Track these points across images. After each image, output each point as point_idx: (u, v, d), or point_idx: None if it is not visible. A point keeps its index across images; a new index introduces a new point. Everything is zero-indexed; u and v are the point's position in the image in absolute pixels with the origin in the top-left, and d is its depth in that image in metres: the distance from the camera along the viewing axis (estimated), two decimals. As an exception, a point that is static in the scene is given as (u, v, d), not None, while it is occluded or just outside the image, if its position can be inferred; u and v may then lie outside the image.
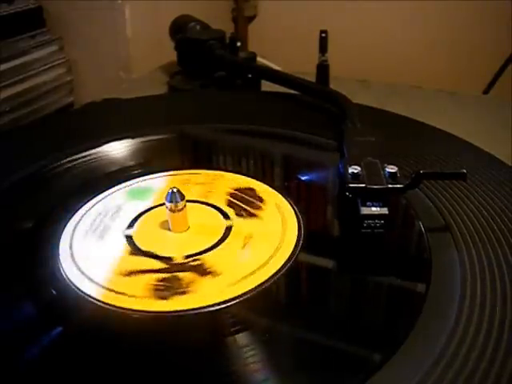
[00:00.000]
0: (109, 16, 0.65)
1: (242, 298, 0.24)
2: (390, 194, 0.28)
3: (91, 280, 0.26)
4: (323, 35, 0.52)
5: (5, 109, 0.56)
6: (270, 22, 0.88)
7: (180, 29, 0.60)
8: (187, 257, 0.27)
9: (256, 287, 0.25)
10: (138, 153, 0.38)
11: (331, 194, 0.34)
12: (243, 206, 0.31)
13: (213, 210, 0.31)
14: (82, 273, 0.27)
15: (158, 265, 0.27)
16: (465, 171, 0.28)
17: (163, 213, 0.29)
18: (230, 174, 0.35)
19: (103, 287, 0.25)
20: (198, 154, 0.41)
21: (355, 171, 0.29)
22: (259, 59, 0.60)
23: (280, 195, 0.32)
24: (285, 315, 0.24)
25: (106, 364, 0.22)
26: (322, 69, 0.52)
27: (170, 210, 0.28)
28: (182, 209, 0.29)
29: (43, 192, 0.34)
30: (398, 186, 0.28)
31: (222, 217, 0.30)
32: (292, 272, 0.26)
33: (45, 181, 0.35)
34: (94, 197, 0.33)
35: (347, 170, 0.29)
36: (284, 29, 0.86)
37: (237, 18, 0.87)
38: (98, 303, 0.24)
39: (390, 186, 0.28)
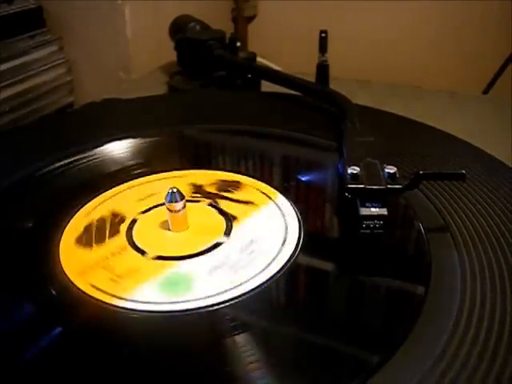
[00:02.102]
0: (109, 16, 0.65)
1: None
2: (389, 194, 0.28)
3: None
4: (323, 35, 0.52)
5: (5, 109, 0.56)
6: (270, 21, 0.88)
7: (180, 29, 0.60)
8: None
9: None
10: (138, 153, 0.38)
11: (331, 194, 0.34)
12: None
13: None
14: (82, 273, 0.27)
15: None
16: (464, 172, 0.28)
17: (163, 213, 0.29)
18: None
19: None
20: (197, 154, 0.41)
21: (354, 172, 0.29)
22: (259, 59, 0.60)
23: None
24: (284, 316, 0.25)
25: (106, 364, 0.22)
26: (322, 69, 0.52)
27: (170, 210, 0.29)
28: (182, 209, 0.29)
29: (43, 192, 0.34)
30: (397, 186, 0.28)
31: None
32: (291, 273, 0.26)
33: (45, 181, 0.35)
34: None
35: (346, 171, 0.29)
36: (284, 29, 0.86)
37: (237, 18, 0.87)
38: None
39: (389, 186, 0.28)
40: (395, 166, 0.29)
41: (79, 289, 0.25)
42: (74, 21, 0.66)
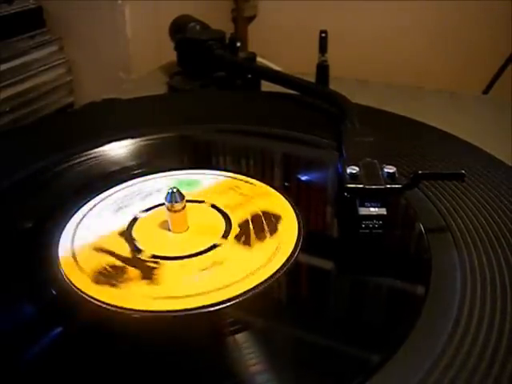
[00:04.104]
0: (109, 16, 0.65)
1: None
2: (388, 194, 0.28)
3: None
4: (323, 35, 0.52)
5: (5, 109, 0.56)
6: (270, 22, 0.88)
7: (180, 29, 0.60)
8: (153, 256, 0.27)
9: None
10: (137, 153, 0.38)
11: (331, 194, 0.34)
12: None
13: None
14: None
15: (126, 253, 0.28)
16: (463, 172, 0.28)
17: (163, 213, 0.29)
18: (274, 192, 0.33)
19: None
20: (197, 155, 0.41)
21: (353, 171, 0.29)
22: (259, 59, 0.60)
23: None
24: (284, 315, 0.25)
25: (106, 364, 0.22)
26: (322, 69, 0.52)
27: (170, 210, 0.29)
28: (182, 209, 0.29)
29: (43, 192, 0.34)
30: (397, 186, 0.28)
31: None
32: (291, 272, 0.26)
33: (45, 181, 0.35)
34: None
35: (346, 171, 0.29)
36: (284, 29, 0.86)
37: (237, 18, 0.87)
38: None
39: (388, 186, 0.28)
40: (394, 166, 0.29)
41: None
42: (74, 21, 0.66)
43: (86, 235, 0.29)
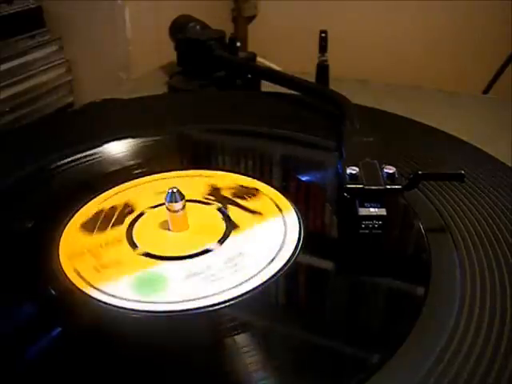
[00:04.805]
0: (109, 16, 0.65)
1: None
2: (388, 194, 0.28)
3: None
4: (323, 35, 0.52)
5: (5, 109, 0.56)
6: (270, 22, 0.88)
7: (180, 29, 0.60)
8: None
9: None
10: (137, 153, 0.38)
11: (331, 194, 0.34)
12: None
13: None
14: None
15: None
16: (463, 172, 0.28)
17: (163, 213, 0.29)
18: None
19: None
20: (197, 155, 0.41)
21: (353, 172, 0.29)
22: (259, 59, 0.60)
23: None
24: (284, 316, 0.25)
25: (106, 364, 0.22)
26: (322, 69, 0.52)
27: (170, 210, 0.29)
28: (182, 209, 0.29)
29: (43, 192, 0.34)
30: (396, 186, 0.28)
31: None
32: (291, 273, 0.26)
33: (45, 181, 0.35)
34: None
35: (345, 171, 0.29)
36: (284, 29, 0.86)
37: (237, 18, 0.87)
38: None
39: (387, 186, 0.28)
40: (394, 167, 0.29)
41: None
42: (74, 21, 0.66)
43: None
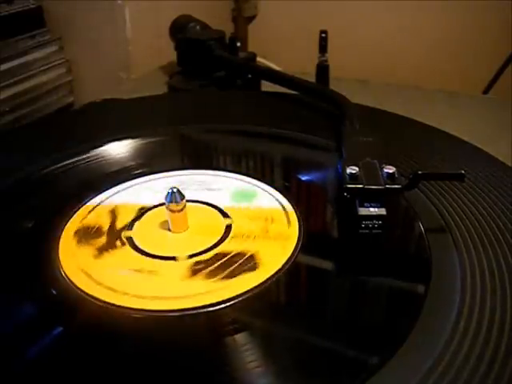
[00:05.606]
0: (109, 16, 0.65)
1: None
2: (387, 194, 0.28)
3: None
4: (323, 35, 0.52)
5: (5, 109, 0.56)
6: (270, 21, 0.88)
7: (180, 29, 0.60)
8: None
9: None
10: (138, 153, 0.38)
11: (332, 194, 0.34)
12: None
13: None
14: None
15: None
16: (463, 172, 0.28)
17: (163, 213, 0.29)
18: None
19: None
20: (197, 155, 0.41)
21: (353, 172, 0.29)
22: (259, 59, 0.60)
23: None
24: (284, 316, 0.25)
25: (106, 364, 0.22)
26: (322, 69, 0.52)
27: (170, 210, 0.29)
28: (182, 209, 0.29)
29: (43, 192, 0.34)
30: (396, 186, 0.28)
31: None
32: (291, 273, 0.26)
33: (45, 181, 0.35)
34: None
35: (345, 171, 0.29)
36: (284, 29, 0.86)
37: (237, 18, 0.87)
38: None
39: (387, 186, 0.28)
40: (394, 166, 0.29)
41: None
42: (74, 21, 0.66)
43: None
